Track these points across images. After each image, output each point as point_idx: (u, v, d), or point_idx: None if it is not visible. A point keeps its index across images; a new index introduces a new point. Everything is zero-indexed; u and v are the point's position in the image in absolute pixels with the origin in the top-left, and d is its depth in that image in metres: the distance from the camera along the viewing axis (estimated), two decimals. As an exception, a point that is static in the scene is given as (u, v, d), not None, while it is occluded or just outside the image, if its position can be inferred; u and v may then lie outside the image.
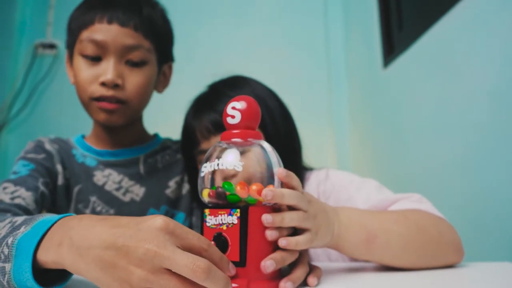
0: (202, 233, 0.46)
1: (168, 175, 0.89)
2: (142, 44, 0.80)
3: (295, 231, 0.47)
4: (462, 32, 1.16)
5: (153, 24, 0.83)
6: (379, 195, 0.71)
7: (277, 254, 0.44)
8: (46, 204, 0.78)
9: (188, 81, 1.79)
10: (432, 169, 1.31)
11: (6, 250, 0.44)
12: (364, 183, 0.75)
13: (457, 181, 1.17)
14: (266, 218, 0.43)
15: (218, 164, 0.45)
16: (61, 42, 2.08)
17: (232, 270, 0.42)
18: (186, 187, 0.90)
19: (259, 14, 2.25)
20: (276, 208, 0.46)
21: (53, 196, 0.81)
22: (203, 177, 0.47)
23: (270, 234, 0.43)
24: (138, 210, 0.84)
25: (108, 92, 0.77)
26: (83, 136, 0.91)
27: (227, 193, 0.45)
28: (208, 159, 0.46)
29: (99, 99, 0.78)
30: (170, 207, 0.87)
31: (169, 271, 0.37)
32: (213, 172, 0.46)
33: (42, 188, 0.76)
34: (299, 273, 0.46)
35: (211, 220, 0.45)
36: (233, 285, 0.42)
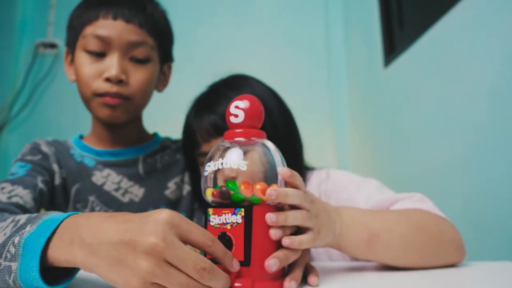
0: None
1: (167, 176, 0.89)
2: (146, 41, 0.81)
3: (297, 231, 0.48)
4: (462, 32, 1.17)
5: (156, 23, 0.83)
6: (380, 194, 0.71)
7: (280, 253, 0.44)
8: (45, 202, 0.78)
9: (188, 80, 1.78)
10: (433, 168, 1.32)
11: (12, 249, 0.45)
12: (365, 182, 0.75)
13: (458, 181, 1.17)
14: (270, 217, 0.44)
15: (222, 163, 0.45)
16: (62, 42, 2.08)
17: (236, 265, 0.42)
18: (186, 188, 0.90)
19: (259, 13, 2.25)
20: (279, 207, 0.47)
21: (52, 195, 0.81)
22: (207, 176, 0.47)
23: (274, 233, 0.44)
24: (137, 211, 0.83)
25: (113, 88, 0.77)
26: (81, 137, 0.91)
27: (231, 192, 0.45)
28: (211, 158, 0.46)
29: (103, 94, 0.78)
30: (170, 208, 0.87)
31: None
32: (217, 171, 0.46)
33: (40, 185, 0.76)
34: (300, 272, 0.47)
35: (215, 220, 0.45)
36: (238, 284, 0.42)
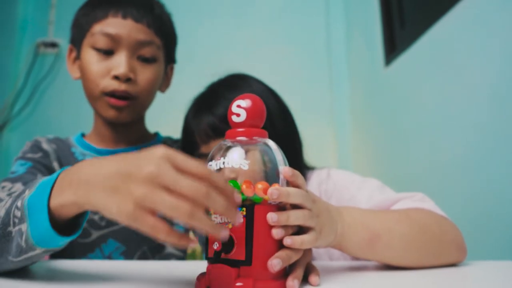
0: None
1: None
2: (154, 41, 0.82)
3: (299, 230, 0.48)
4: (462, 32, 1.17)
5: (163, 23, 0.85)
6: (381, 194, 0.71)
7: (282, 253, 0.44)
8: None
9: (188, 81, 1.79)
10: (434, 167, 1.32)
11: (18, 213, 0.46)
12: (366, 182, 0.75)
13: (459, 179, 1.17)
14: (272, 216, 0.43)
15: (223, 163, 0.45)
16: (63, 41, 2.08)
17: (237, 197, 0.42)
18: None
19: (260, 13, 2.25)
20: (281, 207, 0.47)
21: None
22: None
23: (276, 233, 0.44)
24: None
25: (121, 87, 0.78)
26: (82, 135, 0.91)
27: (233, 191, 0.45)
28: (213, 158, 0.46)
29: (111, 94, 0.79)
30: None
31: (170, 191, 0.38)
32: (219, 171, 0.46)
33: None
34: (301, 271, 0.47)
35: (216, 219, 0.45)
36: (239, 284, 0.42)
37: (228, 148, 0.47)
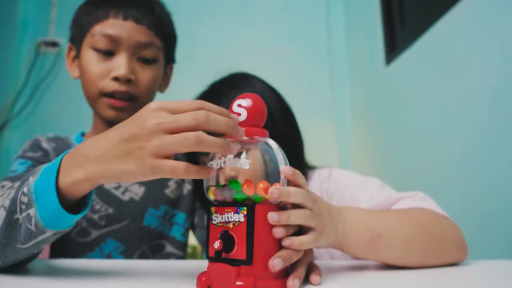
0: (208, 231, 0.46)
1: None
2: (154, 42, 0.82)
3: (300, 229, 0.47)
4: (463, 31, 1.17)
5: (163, 24, 0.85)
6: (382, 193, 0.71)
7: (284, 253, 0.44)
8: None
9: (188, 80, 1.78)
10: (434, 167, 1.32)
11: (25, 199, 0.46)
12: (367, 181, 0.75)
13: (459, 178, 1.17)
14: (272, 216, 0.43)
15: (224, 162, 0.45)
16: (63, 40, 2.08)
17: (234, 117, 0.45)
18: (187, 187, 0.90)
19: (260, 13, 2.25)
20: (282, 206, 0.46)
21: None
22: (209, 175, 0.47)
23: (276, 232, 0.44)
24: (138, 210, 0.84)
25: (121, 88, 0.78)
26: (82, 134, 0.91)
27: (234, 191, 0.45)
28: (214, 157, 0.46)
29: (111, 94, 0.78)
30: (170, 207, 0.87)
31: (174, 132, 0.41)
32: (219, 170, 0.46)
33: None
34: (303, 270, 0.47)
35: (217, 218, 0.45)
36: (240, 283, 0.42)
37: (229, 147, 0.46)
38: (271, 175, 0.46)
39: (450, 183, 1.21)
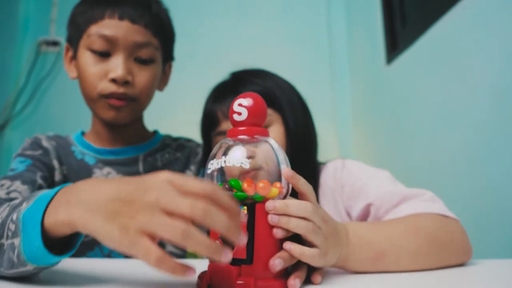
0: (208, 230, 0.46)
1: None
2: (151, 42, 0.81)
3: (302, 241, 0.47)
4: (463, 31, 1.16)
5: (161, 23, 0.83)
6: (391, 186, 0.72)
7: (284, 253, 0.44)
8: None
9: (189, 79, 1.79)
10: (435, 166, 1.31)
11: (13, 226, 0.44)
12: (379, 172, 0.78)
13: (460, 178, 1.17)
14: (272, 217, 0.43)
15: (225, 161, 0.45)
16: (64, 39, 2.08)
17: (243, 216, 0.42)
18: None
19: (261, 11, 2.25)
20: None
21: None
22: (210, 174, 0.46)
23: (277, 232, 0.43)
24: None
25: (119, 89, 0.77)
26: (82, 133, 0.91)
27: (234, 190, 0.45)
28: (214, 156, 0.46)
29: (109, 96, 0.78)
30: None
31: (170, 214, 0.37)
32: (220, 169, 0.46)
33: (40, 181, 0.76)
34: (304, 270, 0.47)
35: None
36: (240, 282, 0.42)
37: (230, 146, 0.46)
38: (272, 174, 0.46)
39: (450, 182, 1.21)
